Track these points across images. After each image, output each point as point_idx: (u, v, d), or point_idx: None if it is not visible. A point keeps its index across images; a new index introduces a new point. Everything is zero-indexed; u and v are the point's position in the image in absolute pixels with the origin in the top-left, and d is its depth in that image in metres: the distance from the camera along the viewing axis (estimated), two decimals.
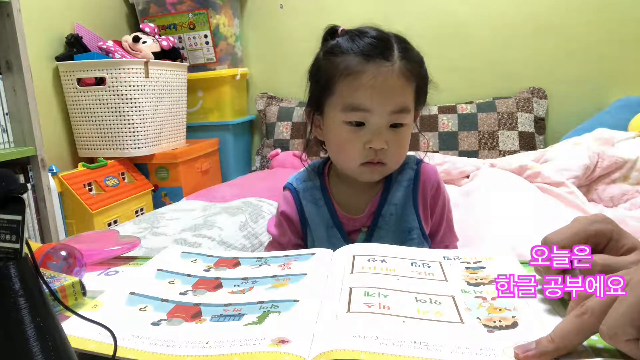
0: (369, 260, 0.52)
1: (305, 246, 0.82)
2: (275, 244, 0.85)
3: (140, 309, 0.45)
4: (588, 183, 1.66)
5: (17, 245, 0.30)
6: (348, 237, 0.79)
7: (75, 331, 0.39)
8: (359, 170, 0.73)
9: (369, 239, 0.77)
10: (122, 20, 2.45)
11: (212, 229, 1.43)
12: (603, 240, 0.41)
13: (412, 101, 0.72)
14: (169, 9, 2.36)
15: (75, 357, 0.32)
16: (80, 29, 2.09)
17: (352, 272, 0.49)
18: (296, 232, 0.83)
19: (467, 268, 0.51)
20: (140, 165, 2.11)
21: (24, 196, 0.32)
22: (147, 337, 0.40)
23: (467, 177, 1.86)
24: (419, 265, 0.52)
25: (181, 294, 0.48)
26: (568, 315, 0.34)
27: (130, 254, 0.64)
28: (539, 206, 1.41)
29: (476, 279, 0.48)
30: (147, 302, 0.46)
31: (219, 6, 2.35)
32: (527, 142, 2.13)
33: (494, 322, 0.39)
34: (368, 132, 0.69)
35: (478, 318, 0.40)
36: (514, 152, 2.11)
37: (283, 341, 0.37)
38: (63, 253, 0.55)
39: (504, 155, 2.09)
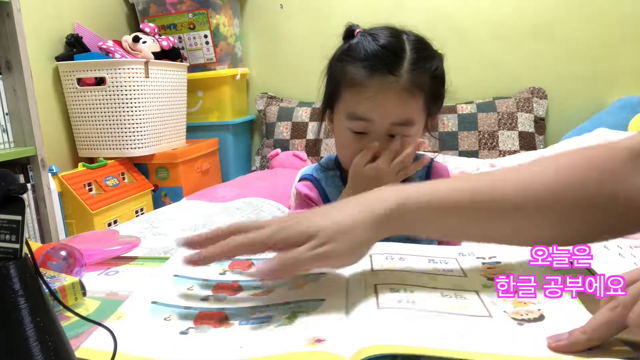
0: (386, 258, 0.53)
1: None
2: None
3: (165, 319, 0.44)
4: None
5: (17, 245, 0.30)
6: None
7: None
8: None
9: None
10: (122, 20, 2.45)
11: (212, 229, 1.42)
12: None
13: (420, 112, 0.72)
14: (169, 9, 2.36)
15: (75, 357, 0.32)
16: (80, 29, 2.09)
17: (372, 269, 0.50)
18: None
19: (483, 263, 0.52)
20: (140, 165, 2.11)
21: (24, 196, 0.31)
22: (180, 346, 0.39)
23: None
24: (437, 262, 0.52)
25: (202, 299, 0.48)
26: (601, 309, 0.35)
27: (130, 254, 0.64)
28: None
29: (496, 274, 0.48)
30: (170, 312, 0.45)
31: (219, 6, 2.35)
32: (527, 142, 2.13)
33: (522, 315, 0.40)
34: (369, 140, 0.71)
35: (505, 312, 0.40)
36: (514, 152, 2.11)
37: (319, 340, 0.37)
38: (63, 253, 0.55)
39: (504, 156, 2.09)
